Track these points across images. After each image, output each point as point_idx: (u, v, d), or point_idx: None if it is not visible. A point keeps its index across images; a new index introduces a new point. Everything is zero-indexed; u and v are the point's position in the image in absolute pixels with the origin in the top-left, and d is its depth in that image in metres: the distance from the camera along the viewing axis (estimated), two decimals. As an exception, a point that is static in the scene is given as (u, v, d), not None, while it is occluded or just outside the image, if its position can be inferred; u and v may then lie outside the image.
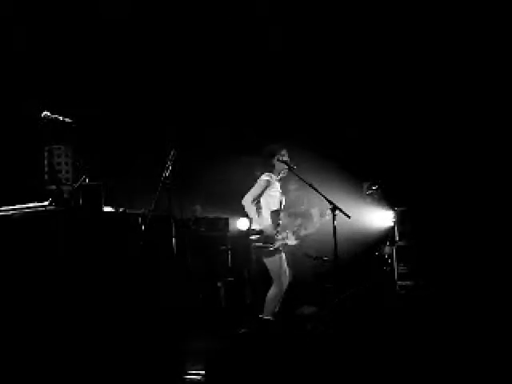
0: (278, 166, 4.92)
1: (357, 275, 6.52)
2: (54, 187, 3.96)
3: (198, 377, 3.80)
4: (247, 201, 4.80)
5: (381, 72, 6.84)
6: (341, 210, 4.50)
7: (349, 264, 6.14)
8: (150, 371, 3.84)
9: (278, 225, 4.90)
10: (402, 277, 6.49)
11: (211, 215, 6.62)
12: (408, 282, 6.39)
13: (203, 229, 6.33)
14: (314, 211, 5.60)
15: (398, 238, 6.65)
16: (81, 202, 4.09)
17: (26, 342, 3.73)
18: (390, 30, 6.55)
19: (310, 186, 4.72)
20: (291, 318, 5.36)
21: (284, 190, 5.16)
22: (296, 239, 5.44)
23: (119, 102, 6.58)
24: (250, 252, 5.94)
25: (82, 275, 3.99)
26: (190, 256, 5.43)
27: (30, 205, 3.93)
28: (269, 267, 4.78)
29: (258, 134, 4.98)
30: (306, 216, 5.59)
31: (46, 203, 3.86)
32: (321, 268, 5.95)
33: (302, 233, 5.27)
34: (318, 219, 5.25)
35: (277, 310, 4.84)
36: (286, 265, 4.89)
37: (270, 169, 4.94)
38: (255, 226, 4.84)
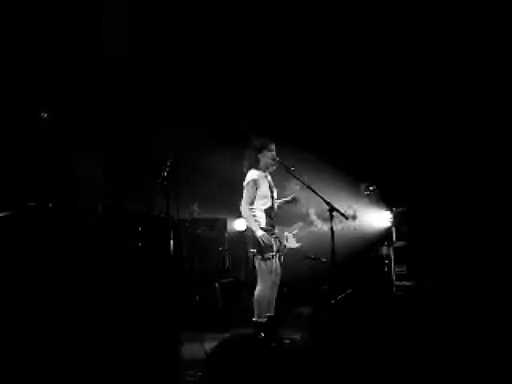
0: (266, 160, 4.80)
1: (354, 276, 6.52)
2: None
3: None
4: (244, 208, 4.71)
5: (379, 72, 6.83)
6: (338, 211, 4.49)
7: (346, 265, 6.14)
8: (145, 372, 3.82)
9: (275, 220, 4.81)
10: (399, 277, 6.50)
11: (208, 216, 6.60)
12: (407, 283, 6.41)
13: (200, 230, 6.31)
14: (311, 211, 5.60)
15: (395, 239, 6.66)
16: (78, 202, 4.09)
17: (25, 342, 3.73)
18: (389, 31, 6.55)
19: (308, 187, 4.71)
20: (288, 318, 5.36)
21: (287, 187, 5.06)
22: (297, 242, 5.43)
23: (118, 101, 6.57)
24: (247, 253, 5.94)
25: (79, 276, 3.99)
26: (190, 258, 5.42)
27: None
28: (257, 265, 4.68)
29: (258, 135, 4.94)
30: (305, 217, 5.60)
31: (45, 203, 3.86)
32: (318, 269, 5.94)
33: (303, 234, 5.22)
34: (316, 219, 5.22)
35: (272, 313, 4.79)
36: (278, 266, 4.80)
37: (257, 163, 4.81)
38: (262, 218, 4.74)
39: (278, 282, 4.80)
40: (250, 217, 4.69)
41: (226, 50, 6.81)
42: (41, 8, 5.99)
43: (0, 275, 3.93)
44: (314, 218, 5.44)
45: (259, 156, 4.80)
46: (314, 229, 5.48)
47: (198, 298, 5.63)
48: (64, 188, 4.88)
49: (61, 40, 6.12)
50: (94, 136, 5.94)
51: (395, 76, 6.80)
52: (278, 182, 5.04)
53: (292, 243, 5.44)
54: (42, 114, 4.01)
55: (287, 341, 4.62)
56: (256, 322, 4.61)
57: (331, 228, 4.47)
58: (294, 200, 4.96)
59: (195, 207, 6.99)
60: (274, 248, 4.67)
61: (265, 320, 4.60)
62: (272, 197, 4.81)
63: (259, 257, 4.64)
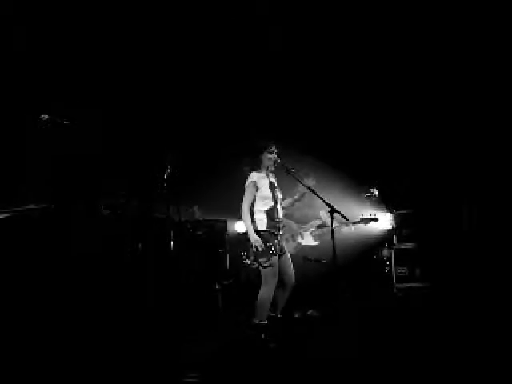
0: (266, 161, 4.79)
1: (355, 278, 6.52)
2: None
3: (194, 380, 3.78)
4: (243, 209, 4.69)
5: (380, 74, 6.84)
6: (339, 213, 4.49)
7: (347, 267, 6.14)
8: (146, 373, 3.82)
9: (279, 221, 4.79)
10: (400, 279, 6.50)
11: (209, 217, 6.60)
12: (408, 285, 6.41)
13: (201, 231, 6.31)
14: (322, 212, 5.61)
15: (396, 241, 6.66)
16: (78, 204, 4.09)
17: (25, 342, 3.73)
18: (389, 31, 6.55)
19: (309, 188, 4.71)
20: (288, 320, 5.35)
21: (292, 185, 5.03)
22: (315, 240, 5.42)
23: (117, 102, 6.56)
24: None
25: (79, 277, 3.99)
26: (190, 259, 5.42)
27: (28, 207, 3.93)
28: (260, 269, 4.66)
29: (258, 137, 4.93)
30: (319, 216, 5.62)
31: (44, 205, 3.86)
32: (319, 271, 5.94)
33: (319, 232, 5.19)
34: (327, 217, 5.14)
35: (278, 314, 4.77)
36: (289, 266, 4.77)
37: (257, 164, 4.80)
38: (256, 225, 4.72)
39: (291, 283, 4.74)
40: (247, 220, 4.68)
41: (226, 50, 6.81)
42: (40, 8, 6.00)
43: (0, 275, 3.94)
44: (326, 218, 5.44)
45: (260, 157, 4.80)
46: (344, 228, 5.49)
47: (198, 299, 5.63)
48: (64, 189, 4.88)
49: (60, 42, 6.13)
50: (94, 135, 5.94)
51: (397, 76, 6.80)
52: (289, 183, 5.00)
53: (309, 241, 5.45)
54: (43, 116, 4.00)
55: (287, 342, 4.63)
56: (256, 324, 4.59)
57: (331, 230, 4.47)
58: (302, 197, 4.93)
59: (196, 209, 6.99)
60: (274, 251, 4.64)
61: (265, 322, 4.59)
62: (274, 198, 4.79)
63: (261, 258, 4.62)
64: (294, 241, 5.81)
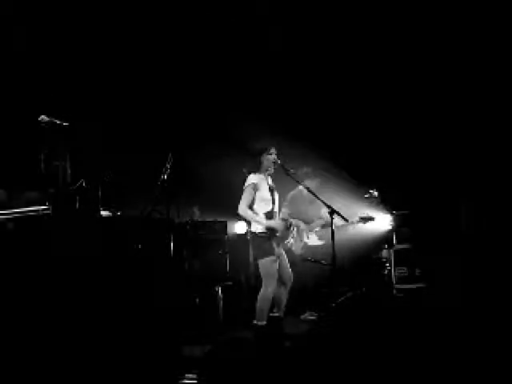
0: (266, 163, 4.79)
1: (355, 279, 6.51)
2: (52, 190, 3.94)
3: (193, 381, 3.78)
4: (242, 209, 4.68)
5: (380, 74, 6.84)
6: (339, 214, 4.49)
7: (347, 268, 6.13)
8: (146, 374, 3.82)
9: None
10: (399, 280, 6.49)
11: (209, 218, 6.60)
12: (408, 286, 6.40)
13: (201, 232, 6.30)
14: (324, 211, 5.62)
15: (396, 242, 6.66)
16: (77, 205, 4.08)
17: (26, 342, 3.73)
18: (389, 32, 6.55)
19: (308, 189, 4.71)
20: (288, 320, 5.34)
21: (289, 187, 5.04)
22: (320, 240, 5.42)
23: (117, 103, 6.56)
24: (247, 256, 5.94)
25: (77, 278, 3.98)
26: (190, 261, 5.41)
27: (28, 208, 3.92)
28: (260, 269, 4.68)
29: (258, 137, 4.94)
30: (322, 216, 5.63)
31: (44, 207, 3.85)
32: (319, 272, 5.93)
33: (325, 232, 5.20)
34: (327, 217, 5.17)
35: (281, 315, 4.78)
36: (286, 265, 4.80)
37: (257, 166, 4.80)
38: (256, 227, 4.73)
39: (289, 282, 4.79)
40: (251, 214, 4.67)
41: (226, 51, 6.81)
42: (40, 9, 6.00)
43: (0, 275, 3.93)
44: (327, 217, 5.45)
45: (260, 159, 4.80)
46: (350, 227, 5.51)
47: (197, 300, 5.63)
48: (63, 190, 4.87)
49: (60, 42, 6.13)
50: (93, 139, 5.94)
51: (397, 77, 6.80)
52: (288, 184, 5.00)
53: (314, 241, 5.46)
54: (42, 118, 3.99)
55: (287, 343, 4.63)
56: (256, 324, 4.59)
57: (331, 231, 4.46)
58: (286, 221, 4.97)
59: (196, 210, 6.99)
60: (275, 251, 4.66)
61: (265, 323, 4.59)
62: (272, 200, 4.80)
63: (260, 252, 4.65)
64: (301, 241, 5.84)
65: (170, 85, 6.84)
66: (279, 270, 4.70)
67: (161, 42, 6.63)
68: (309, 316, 5.90)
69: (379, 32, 6.57)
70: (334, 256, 4.44)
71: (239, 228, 6.86)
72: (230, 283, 6.02)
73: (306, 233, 5.85)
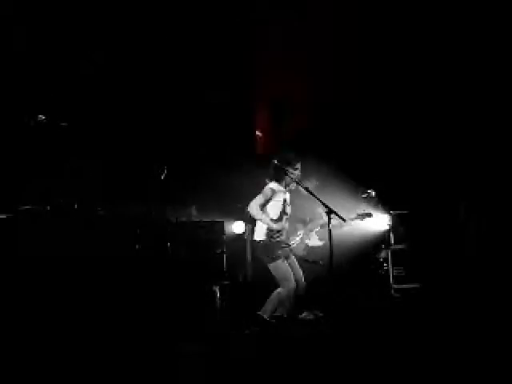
0: (289, 177, 4.86)
1: (352, 279, 6.52)
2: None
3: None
4: (252, 208, 4.74)
5: (378, 75, 6.85)
6: (336, 214, 4.50)
7: (344, 268, 6.14)
8: (144, 374, 3.82)
9: (279, 232, 4.86)
10: (397, 280, 6.51)
11: (207, 218, 6.60)
12: (405, 285, 6.42)
13: (199, 232, 6.31)
14: (319, 209, 5.63)
15: (393, 242, 6.67)
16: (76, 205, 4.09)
17: (26, 342, 3.73)
18: (389, 32, 6.57)
19: (306, 189, 4.72)
20: (288, 320, 5.35)
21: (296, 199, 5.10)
22: (320, 240, 5.43)
23: (117, 104, 6.56)
24: (245, 255, 5.93)
25: (77, 278, 3.99)
26: (188, 261, 5.42)
27: (27, 207, 3.93)
28: (273, 273, 4.79)
29: (287, 150, 5.01)
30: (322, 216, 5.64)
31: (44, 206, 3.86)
32: (316, 272, 5.94)
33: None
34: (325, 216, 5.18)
35: (284, 315, 4.82)
36: (297, 269, 4.92)
37: (280, 177, 4.88)
38: (258, 235, 4.81)
39: (300, 282, 4.89)
40: (260, 214, 4.74)
41: (226, 51, 6.82)
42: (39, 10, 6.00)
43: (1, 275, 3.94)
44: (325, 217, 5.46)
45: (284, 171, 4.83)
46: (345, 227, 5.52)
47: (196, 300, 5.64)
48: (62, 191, 4.88)
49: (60, 43, 6.13)
50: (92, 138, 5.94)
51: (395, 78, 6.81)
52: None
53: (315, 242, 5.47)
54: (40, 117, 4.00)
55: (287, 341, 4.64)
56: (259, 315, 4.69)
57: (329, 231, 4.48)
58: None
59: (193, 210, 6.98)
60: (280, 253, 4.75)
61: (265, 317, 4.67)
62: (284, 212, 4.90)
63: (266, 258, 4.75)
64: (302, 243, 5.84)
65: (169, 84, 6.84)
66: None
67: (161, 42, 6.63)
68: (307, 316, 5.90)
69: (383, 33, 6.59)
70: (331, 256, 4.46)
71: (237, 228, 6.86)
72: (227, 283, 6.03)
73: (307, 234, 5.85)
